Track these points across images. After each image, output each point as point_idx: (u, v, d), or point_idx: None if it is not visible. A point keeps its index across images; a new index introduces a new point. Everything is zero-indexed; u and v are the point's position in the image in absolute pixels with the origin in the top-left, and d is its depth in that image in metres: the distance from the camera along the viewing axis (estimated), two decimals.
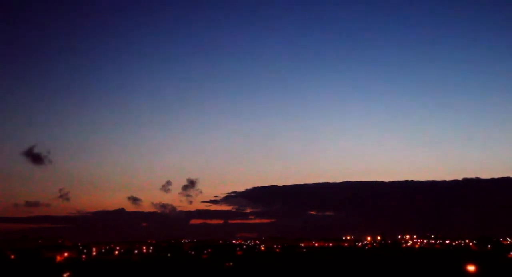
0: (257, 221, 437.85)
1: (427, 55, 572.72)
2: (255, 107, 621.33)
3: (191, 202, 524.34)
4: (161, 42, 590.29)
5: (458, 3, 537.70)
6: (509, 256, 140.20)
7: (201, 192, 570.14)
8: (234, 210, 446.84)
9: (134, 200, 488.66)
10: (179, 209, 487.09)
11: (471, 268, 78.98)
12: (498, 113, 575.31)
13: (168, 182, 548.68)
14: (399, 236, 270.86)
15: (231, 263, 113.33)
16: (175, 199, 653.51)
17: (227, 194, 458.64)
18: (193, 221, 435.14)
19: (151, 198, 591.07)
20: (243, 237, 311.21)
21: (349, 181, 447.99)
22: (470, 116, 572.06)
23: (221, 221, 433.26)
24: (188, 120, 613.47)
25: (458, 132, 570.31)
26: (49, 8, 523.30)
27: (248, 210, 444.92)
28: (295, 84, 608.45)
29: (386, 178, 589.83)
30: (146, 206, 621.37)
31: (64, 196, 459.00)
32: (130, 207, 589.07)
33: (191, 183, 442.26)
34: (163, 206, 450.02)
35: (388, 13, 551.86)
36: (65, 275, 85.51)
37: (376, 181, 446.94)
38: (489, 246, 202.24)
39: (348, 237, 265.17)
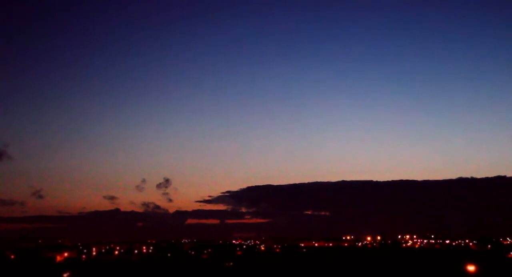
0: (252, 221, 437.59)
1: (424, 54, 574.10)
2: (249, 107, 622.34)
3: (170, 200, 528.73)
4: (137, 41, 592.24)
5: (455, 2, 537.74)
6: (509, 256, 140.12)
7: (177, 191, 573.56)
8: (229, 210, 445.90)
9: (111, 198, 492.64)
10: (172, 209, 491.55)
11: (471, 268, 78.93)
12: (493, 112, 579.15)
13: (153, 181, 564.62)
14: (399, 236, 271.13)
15: (231, 263, 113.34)
16: (166, 198, 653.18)
17: (221, 194, 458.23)
18: (189, 221, 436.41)
19: (130, 198, 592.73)
20: (239, 237, 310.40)
21: (345, 181, 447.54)
22: (465, 115, 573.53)
23: (217, 221, 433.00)
24: (179, 118, 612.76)
25: (453, 131, 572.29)
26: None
27: (243, 210, 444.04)
28: (291, 84, 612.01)
29: (381, 178, 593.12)
30: (130, 205, 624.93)
31: (36, 194, 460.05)
32: (103, 207, 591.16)
33: (166, 181, 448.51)
34: (154, 206, 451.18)
35: (385, 13, 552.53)
36: (65, 275, 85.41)
37: (371, 181, 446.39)
38: (489, 246, 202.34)
39: (348, 237, 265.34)
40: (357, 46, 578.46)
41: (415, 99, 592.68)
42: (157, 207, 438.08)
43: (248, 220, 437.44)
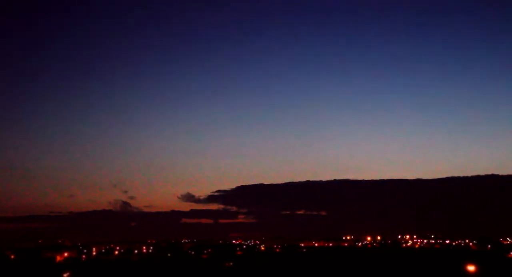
0: (246, 220, 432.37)
1: (415, 53, 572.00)
2: (239, 105, 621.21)
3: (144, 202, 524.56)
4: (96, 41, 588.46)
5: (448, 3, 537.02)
6: (509, 256, 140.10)
7: (168, 191, 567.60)
8: (220, 209, 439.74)
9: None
10: (161, 209, 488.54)
11: (471, 268, 78.95)
12: (486, 111, 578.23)
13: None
14: (399, 236, 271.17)
15: (231, 263, 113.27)
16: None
17: (211, 194, 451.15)
18: (183, 221, 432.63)
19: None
20: (235, 237, 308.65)
21: (337, 180, 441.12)
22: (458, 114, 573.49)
23: (210, 221, 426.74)
24: (168, 114, 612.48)
25: (447, 130, 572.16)
26: None
27: (234, 209, 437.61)
28: (284, 83, 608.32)
29: (372, 177, 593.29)
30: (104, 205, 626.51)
31: None
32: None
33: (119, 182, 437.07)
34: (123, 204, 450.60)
35: (384, 13, 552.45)
36: (65, 275, 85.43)
37: (364, 180, 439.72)
38: (489, 246, 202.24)
39: (348, 237, 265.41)
40: (348, 45, 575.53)
41: (410, 99, 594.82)
42: (126, 204, 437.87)
43: (242, 219, 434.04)
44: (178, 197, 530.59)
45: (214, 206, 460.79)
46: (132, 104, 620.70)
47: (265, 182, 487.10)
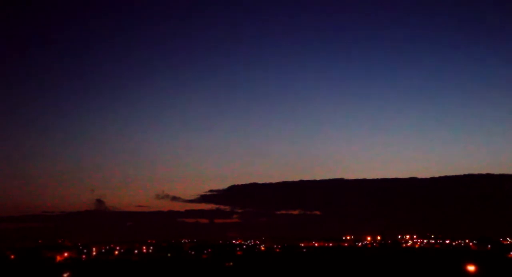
0: (241, 220, 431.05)
1: (410, 53, 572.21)
2: (233, 105, 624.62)
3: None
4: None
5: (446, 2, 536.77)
6: (509, 256, 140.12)
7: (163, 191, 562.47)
8: (213, 209, 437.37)
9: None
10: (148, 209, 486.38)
11: (471, 268, 78.95)
12: (481, 110, 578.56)
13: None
14: (399, 236, 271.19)
15: (231, 263, 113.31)
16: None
17: (204, 193, 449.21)
18: (179, 221, 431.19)
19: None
20: (230, 237, 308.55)
21: (331, 179, 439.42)
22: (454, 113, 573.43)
23: (206, 221, 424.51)
24: (162, 114, 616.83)
25: (443, 129, 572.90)
26: None
27: (227, 209, 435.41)
28: (281, 83, 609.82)
29: (367, 176, 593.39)
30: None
31: None
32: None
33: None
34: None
35: (385, 14, 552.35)
36: (65, 275, 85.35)
37: (357, 179, 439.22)
38: (489, 246, 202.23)
39: (348, 237, 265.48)
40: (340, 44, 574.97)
41: (405, 98, 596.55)
42: (101, 203, 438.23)
43: (236, 219, 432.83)
44: (171, 197, 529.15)
45: (207, 206, 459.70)
46: (132, 105, 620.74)
47: (259, 182, 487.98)
